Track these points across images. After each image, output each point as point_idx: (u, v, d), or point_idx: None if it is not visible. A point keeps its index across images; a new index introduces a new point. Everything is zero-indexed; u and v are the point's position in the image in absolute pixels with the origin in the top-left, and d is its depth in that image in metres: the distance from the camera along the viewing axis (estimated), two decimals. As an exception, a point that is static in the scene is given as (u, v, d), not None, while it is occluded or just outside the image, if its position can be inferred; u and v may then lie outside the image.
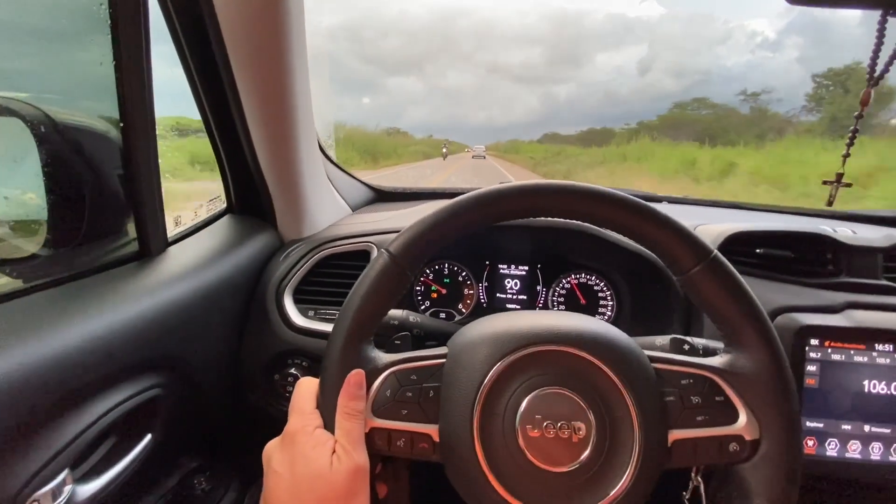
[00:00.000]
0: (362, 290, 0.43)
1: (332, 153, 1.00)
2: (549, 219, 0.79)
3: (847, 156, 0.57)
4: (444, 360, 0.44)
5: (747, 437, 0.40)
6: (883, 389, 0.60)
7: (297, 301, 0.73)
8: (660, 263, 0.73)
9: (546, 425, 0.40)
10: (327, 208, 0.90)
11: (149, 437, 0.56)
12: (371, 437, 0.41)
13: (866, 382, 0.60)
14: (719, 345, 0.54)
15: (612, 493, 0.39)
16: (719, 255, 0.41)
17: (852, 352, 0.60)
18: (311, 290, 0.74)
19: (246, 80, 0.65)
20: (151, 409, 0.56)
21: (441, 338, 0.49)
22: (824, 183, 0.59)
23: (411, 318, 0.60)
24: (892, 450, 0.60)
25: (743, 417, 0.40)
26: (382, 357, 0.44)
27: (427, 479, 0.66)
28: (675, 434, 0.40)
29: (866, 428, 0.60)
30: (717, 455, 0.40)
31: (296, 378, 0.69)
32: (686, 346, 0.49)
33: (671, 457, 0.40)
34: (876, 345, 0.60)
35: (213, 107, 0.71)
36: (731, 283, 0.41)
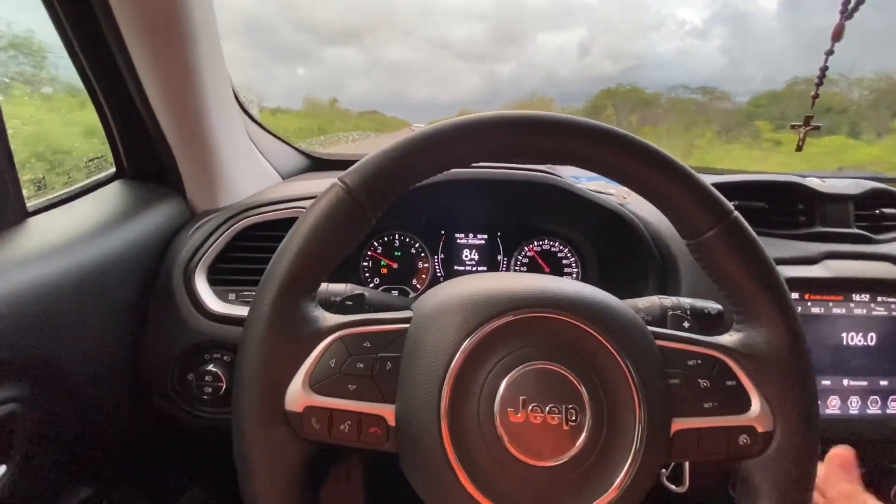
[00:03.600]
0: (305, 228, 0.33)
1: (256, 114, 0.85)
2: (515, 171, 0.72)
3: (816, 96, 0.53)
4: (407, 326, 0.35)
5: (760, 429, 0.34)
6: (860, 341, 0.58)
7: (212, 282, 0.60)
8: (631, 222, 0.67)
9: (532, 408, 0.32)
10: (251, 175, 0.76)
11: (2, 469, 0.42)
12: (305, 418, 0.32)
13: (844, 335, 0.58)
14: (709, 303, 0.48)
15: (605, 495, 0.31)
16: (740, 217, 0.35)
17: (831, 304, 0.57)
18: (229, 268, 0.61)
19: (129, 15, 0.51)
20: (5, 431, 0.42)
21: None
22: (792, 127, 0.56)
23: (356, 293, 0.49)
24: (868, 402, 0.58)
25: (756, 405, 0.34)
26: (328, 318, 0.35)
27: (386, 479, 0.55)
28: (679, 423, 0.34)
29: (845, 382, 0.58)
30: (725, 449, 0.34)
31: (216, 376, 0.56)
32: (686, 324, 0.43)
33: (671, 450, 0.34)
34: (853, 295, 0.57)
35: (86, 44, 0.55)
36: (751, 250, 0.35)
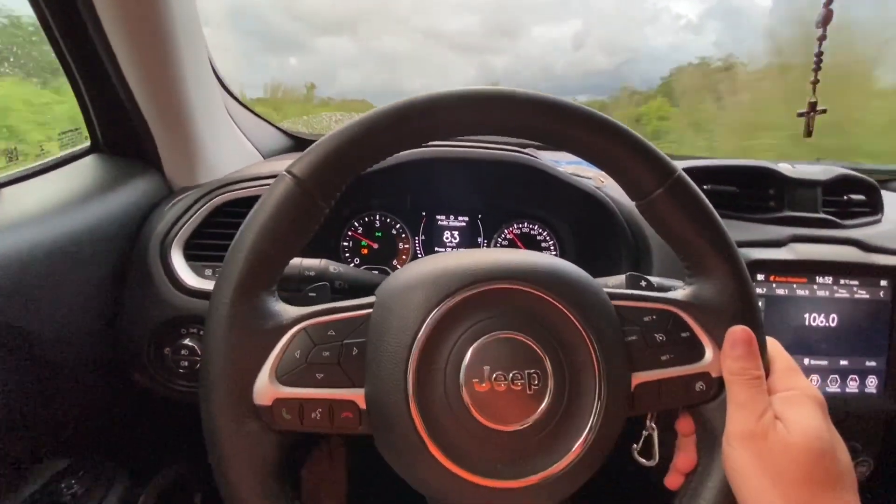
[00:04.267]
0: (257, 223, 0.33)
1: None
2: (492, 151, 0.72)
3: (816, 81, 0.55)
4: (370, 311, 0.35)
5: (713, 374, 0.36)
6: (822, 322, 0.60)
7: (189, 258, 0.60)
8: (606, 204, 0.68)
9: (496, 377, 0.33)
10: (230, 153, 0.75)
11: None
12: (275, 410, 0.32)
13: (807, 316, 0.59)
14: (676, 282, 0.50)
15: (572, 451, 0.33)
16: (683, 174, 0.36)
17: (795, 286, 0.59)
18: (206, 244, 0.60)
19: None
20: None
21: (371, 291, 0.40)
22: (799, 115, 0.57)
23: (332, 269, 0.49)
24: (828, 381, 0.60)
25: (709, 353, 0.36)
26: (289, 310, 0.35)
27: (368, 456, 0.56)
28: (639, 377, 0.35)
29: (805, 361, 0.60)
30: (683, 396, 0.36)
31: (192, 350, 0.57)
32: (643, 283, 0.44)
33: (633, 403, 0.35)
34: (817, 277, 0.59)
35: (58, 14, 0.54)
36: (696, 206, 0.36)
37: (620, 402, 0.34)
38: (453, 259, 0.37)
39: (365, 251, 0.78)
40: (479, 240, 0.81)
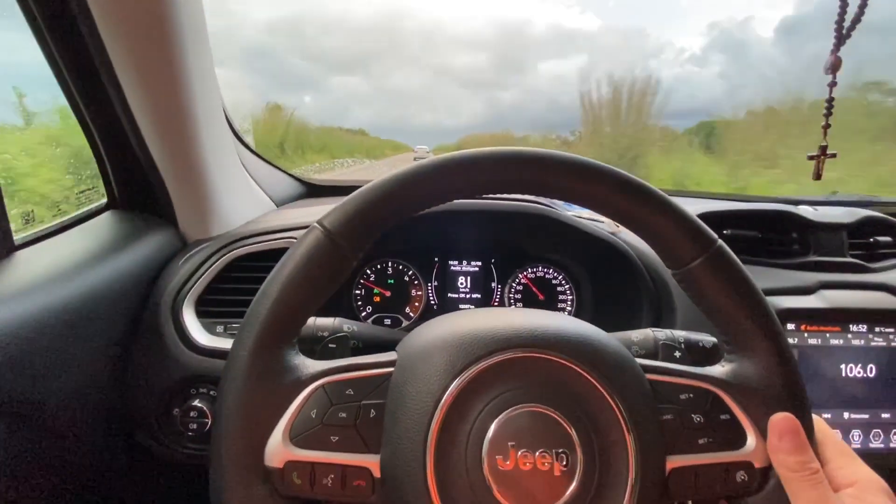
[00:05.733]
0: (284, 274, 0.32)
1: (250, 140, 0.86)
2: (508, 202, 0.72)
3: (827, 126, 0.54)
4: (391, 370, 0.34)
5: (757, 465, 0.33)
6: (859, 372, 0.57)
7: (201, 314, 0.59)
8: (624, 251, 0.66)
9: (521, 454, 0.30)
10: (244, 203, 0.76)
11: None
12: (286, 473, 0.31)
13: (843, 367, 0.56)
14: (704, 336, 0.48)
15: None
16: (723, 245, 0.34)
17: (828, 335, 0.56)
18: (219, 300, 0.60)
19: (120, 51, 0.51)
20: None
21: (386, 349, 0.39)
22: (809, 158, 0.57)
23: (346, 328, 0.48)
24: (871, 436, 0.57)
25: (751, 440, 0.33)
26: (308, 365, 0.34)
27: None
28: (674, 461, 0.32)
29: (846, 415, 0.56)
30: (722, 486, 0.33)
31: (201, 412, 0.55)
32: (677, 354, 0.42)
33: (668, 490, 0.32)
34: (850, 326, 0.56)
35: (75, 73, 0.55)
36: (737, 278, 0.34)
37: (654, 488, 0.32)
38: (480, 320, 0.36)
39: (377, 299, 0.77)
40: (493, 284, 0.79)
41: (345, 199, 0.34)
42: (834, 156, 0.55)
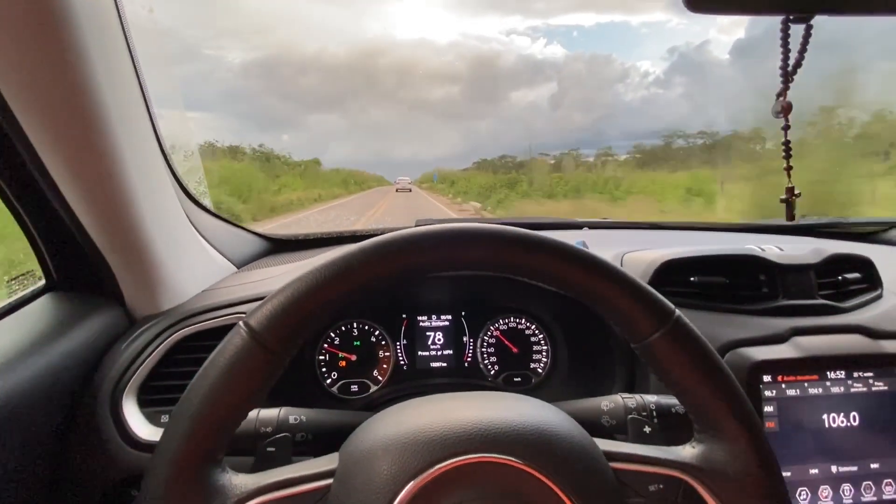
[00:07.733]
0: (206, 385, 0.30)
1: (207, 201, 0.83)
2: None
3: (789, 168, 0.55)
4: (329, 482, 0.31)
5: None
6: (842, 422, 0.54)
7: (144, 403, 0.54)
8: None
9: None
10: (198, 269, 0.72)
11: None
12: None
13: (825, 417, 0.54)
14: (675, 400, 0.45)
15: None
16: (682, 316, 0.33)
17: (806, 384, 0.54)
18: (165, 385, 0.56)
19: (25, 106, 0.46)
20: None
21: (341, 436, 0.36)
22: (781, 201, 0.57)
23: (292, 419, 0.44)
24: (862, 489, 0.54)
25: None
26: (236, 485, 0.30)
27: None
28: None
29: (833, 469, 0.54)
30: None
31: (144, 514, 0.50)
32: (647, 429, 0.39)
33: None
34: (828, 373, 0.54)
35: None
36: (697, 352, 0.32)
37: None
38: (425, 415, 0.33)
39: (343, 364, 0.73)
40: (465, 339, 0.76)
41: (271, 294, 0.31)
42: (798, 195, 0.55)
